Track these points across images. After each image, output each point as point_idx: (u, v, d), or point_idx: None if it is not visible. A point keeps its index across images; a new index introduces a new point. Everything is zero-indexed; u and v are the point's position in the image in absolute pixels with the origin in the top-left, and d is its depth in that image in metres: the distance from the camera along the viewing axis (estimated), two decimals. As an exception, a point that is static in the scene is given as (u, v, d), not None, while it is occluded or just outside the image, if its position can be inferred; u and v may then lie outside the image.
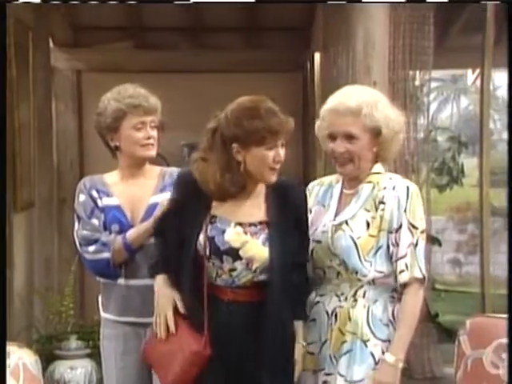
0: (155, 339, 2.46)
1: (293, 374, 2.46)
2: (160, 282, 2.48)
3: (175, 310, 2.43)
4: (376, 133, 2.51)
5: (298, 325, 2.49)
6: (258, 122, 2.35)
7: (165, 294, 2.45)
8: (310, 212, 2.61)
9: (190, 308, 2.42)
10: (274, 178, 2.43)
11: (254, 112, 2.36)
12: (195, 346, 2.37)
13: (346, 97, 2.53)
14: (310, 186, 2.71)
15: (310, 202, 2.64)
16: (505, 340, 2.56)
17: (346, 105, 2.49)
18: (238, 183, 2.40)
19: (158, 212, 2.62)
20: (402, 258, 2.47)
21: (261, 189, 2.47)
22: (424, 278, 2.49)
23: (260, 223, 2.44)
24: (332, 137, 2.52)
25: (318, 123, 2.60)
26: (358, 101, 2.49)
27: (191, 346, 2.37)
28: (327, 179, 2.70)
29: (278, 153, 2.39)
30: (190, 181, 2.44)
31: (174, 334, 2.42)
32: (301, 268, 2.50)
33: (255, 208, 2.46)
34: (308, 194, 2.66)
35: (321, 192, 2.65)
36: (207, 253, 2.40)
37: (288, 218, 2.45)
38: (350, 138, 2.50)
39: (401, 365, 2.44)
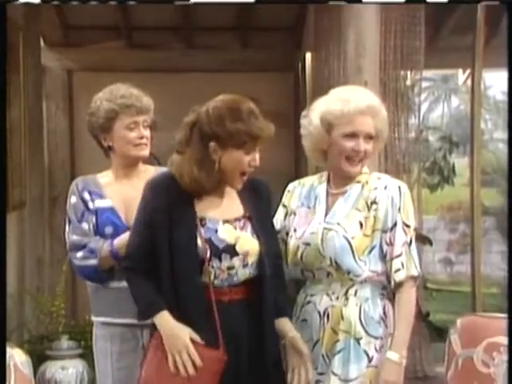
0: (159, 371, 2.33)
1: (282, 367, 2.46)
2: (165, 322, 2.34)
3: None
4: (377, 135, 2.55)
5: (286, 320, 2.47)
6: (240, 124, 2.33)
7: (178, 331, 2.32)
8: (294, 214, 2.62)
9: (197, 317, 2.34)
10: (240, 186, 2.43)
11: (236, 113, 2.34)
12: (216, 355, 2.31)
13: (368, 97, 2.54)
14: (290, 187, 2.70)
15: (293, 203, 2.64)
16: (495, 339, 2.57)
17: (373, 105, 2.51)
18: (214, 180, 2.39)
19: (129, 244, 2.48)
20: (397, 256, 2.49)
21: None
22: (419, 275, 2.52)
23: (243, 217, 2.45)
24: (352, 135, 2.51)
25: (321, 120, 2.53)
26: (378, 103, 2.54)
27: (211, 356, 2.31)
28: (308, 180, 2.69)
29: (254, 158, 2.39)
30: (169, 185, 2.40)
31: None
32: (278, 262, 2.51)
33: (233, 203, 2.46)
34: (289, 195, 2.67)
35: (303, 193, 2.64)
36: (208, 255, 2.37)
37: (263, 211, 2.48)
38: (369, 138, 2.52)
39: (404, 362, 2.47)
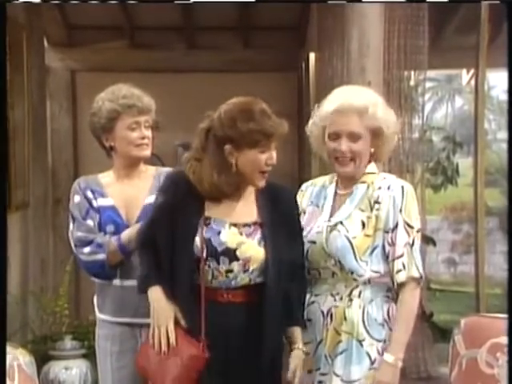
0: (148, 349, 2.40)
1: (280, 375, 2.46)
2: (155, 295, 2.40)
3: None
4: (376, 133, 2.52)
5: (296, 330, 2.47)
6: (252, 124, 2.34)
7: (163, 306, 2.38)
8: (304, 213, 2.62)
9: (186, 312, 2.38)
10: (263, 183, 2.43)
11: (248, 114, 2.35)
12: (193, 350, 2.34)
13: (351, 96, 2.53)
14: (304, 186, 2.71)
15: (304, 202, 2.64)
16: (499, 340, 2.57)
17: (353, 104, 2.49)
18: (233, 184, 2.40)
19: (143, 222, 2.56)
20: (398, 257, 2.48)
21: (251, 190, 2.47)
22: (421, 277, 2.50)
23: (254, 224, 2.44)
24: (335, 136, 2.51)
25: (314, 122, 2.58)
26: (364, 100, 2.51)
27: (189, 350, 2.34)
28: (320, 180, 2.70)
29: (271, 156, 2.39)
30: (181, 182, 2.42)
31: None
32: (297, 272, 2.49)
33: (248, 208, 2.46)
34: (301, 195, 2.67)
35: (314, 193, 2.65)
36: (204, 255, 2.37)
37: (279, 219, 2.45)
38: (354, 137, 2.50)
39: (400, 364, 2.45)
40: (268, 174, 2.43)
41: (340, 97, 2.53)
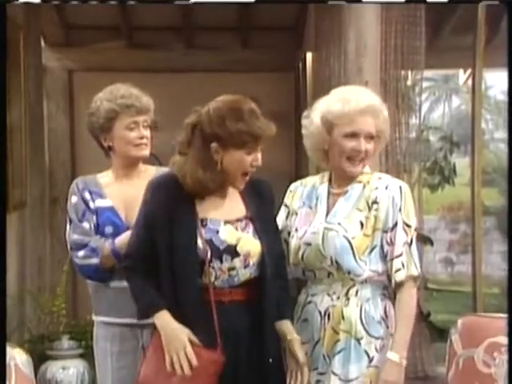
0: (158, 372, 2.33)
1: (283, 369, 2.46)
2: (164, 320, 2.35)
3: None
4: (379, 134, 2.54)
5: (286, 323, 2.47)
6: (241, 124, 2.33)
7: (176, 329, 2.33)
8: (296, 214, 2.62)
9: (196, 318, 2.34)
10: (243, 185, 2.43)
11: (237, 113, 2.34)
12: (213, 356, 2.31)
13: (373, 97, 2.55)
14: (292, 187, 2.70)
15: (295, 203, 2.64)
16: (496, 339, 2.57)
17: (373, 105, 2.51)
18: (217, 181, 2.39)
19: (134, 232, 2.50)
20: (397, 256, 2.49)
21: None
22: (419, 275, 2.52)
23: (245, 218, 2.45)
24: (353, 135, 2.51)
25: (322, 120, 2.54)
26: (380, 102, 2.54)
27: (209, 357, 2.31)
28: (310, 180, 2.69)
29: (256, 157, 2.39)
30: (169, 184, 2.40)
31: None
32: (281, 263, 2.50)
33: (235, 204, 2.46)
34: (291, 195, 2.67)
35: (305, 193, 2.64)
36: (209, 256, 2.36)
37: (265, 212, 2.48)
38: (370, 137, 2.52)
39: (405, 362, 2.46)
40: (250, 175, 2.42)
41: (357, 97, 2.52)
